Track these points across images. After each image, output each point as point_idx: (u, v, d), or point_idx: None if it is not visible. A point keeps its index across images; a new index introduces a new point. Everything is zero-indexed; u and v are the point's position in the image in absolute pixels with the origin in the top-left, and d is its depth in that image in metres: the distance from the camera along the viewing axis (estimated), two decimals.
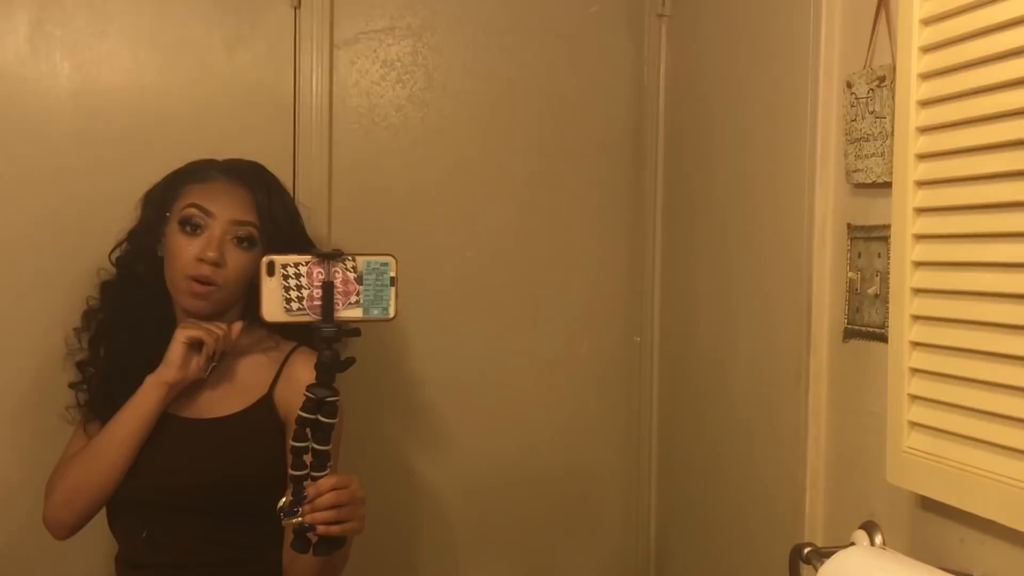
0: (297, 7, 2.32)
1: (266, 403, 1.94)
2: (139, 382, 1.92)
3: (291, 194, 2.14)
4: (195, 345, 1.90)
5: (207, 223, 1.93)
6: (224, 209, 1.94)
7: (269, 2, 2.31)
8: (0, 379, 2.21)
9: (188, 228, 1.93)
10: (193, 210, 1.93)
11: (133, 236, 2.03)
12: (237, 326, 1.95)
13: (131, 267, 2.01)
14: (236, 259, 1.93)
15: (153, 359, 1.93)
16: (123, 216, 2.05)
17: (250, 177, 2.00)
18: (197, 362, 1.91)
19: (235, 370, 1.99)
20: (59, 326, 2.12)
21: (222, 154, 2.09)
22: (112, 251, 2.05)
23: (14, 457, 2.23)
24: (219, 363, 1.95)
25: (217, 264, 1.91)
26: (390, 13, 2.39)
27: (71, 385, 2.06)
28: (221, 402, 1.96)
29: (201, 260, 1.90)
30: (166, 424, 1.93)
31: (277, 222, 1.96)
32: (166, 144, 2.21)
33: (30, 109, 2.22)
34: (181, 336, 1.90)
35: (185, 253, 1.91)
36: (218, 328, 1.92)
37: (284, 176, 2.22)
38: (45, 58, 2.22)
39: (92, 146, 2.24)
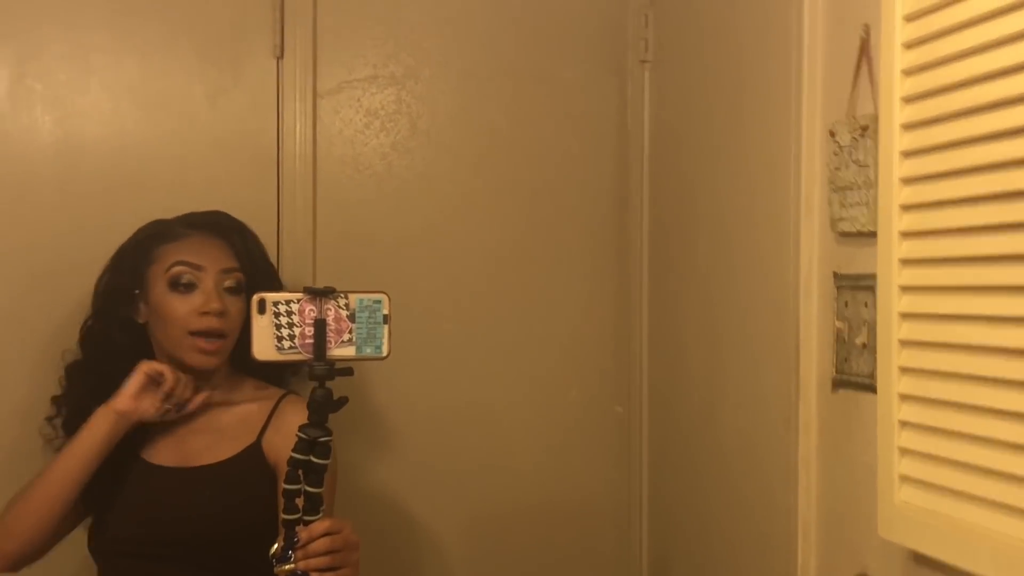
0: (280, 57, 2.32)
1: (255, 450, 1.93)
2: (123, 444, 1.90)
3: (271, 241, 2.16)
4: (153, 382, 1.88)
5: (199, 277, 1.93)
6: (211, 260, 1.94)
7: (251, 54, 2.31)
8: None
9: (180, 287, 1.92)
10: (182, 267, 1.93)
11: (104, 307, 2.00)
12: (200, 397, 1.94)
13: (110, 335, 1.98)
14: (234, 306, 1.95)
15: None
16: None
17: (218, 226, 2.01)
18: (152, 400, 1.89)
19: (223, 418, 1.98)
20: (39, 379, 2.10)
21: (207, 205, 2.09)
22: (81, 328, 2.02)
23: None
24: (178, 414, 1.93)
25: (222, 313, 1.92)
26: (373, 62, 2.39)
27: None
28: (209, 450, 1.94)
29: (205, 313, 1.90)
30: (151, 474, 1.92)
31: (256, 264, 1.99)
32: (149, 197, 2.20)
33: (11, 163, 2.21)
34: (143, 367, 1.88)
35: (183, 310, 1.91)
36: (183, 376, 1.91)
37: (268, 225, 2.23)
38: (26, 112, 2.22)
39: (74, 199, 2.23)
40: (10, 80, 2.20)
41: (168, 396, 1.90)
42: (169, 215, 2.06)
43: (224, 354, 1.95)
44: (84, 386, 1.99)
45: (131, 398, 1.87)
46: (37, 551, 1.90)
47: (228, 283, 1.95)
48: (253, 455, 1.92)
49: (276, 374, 2.04)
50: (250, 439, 1.94)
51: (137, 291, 1.96)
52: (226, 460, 1.92)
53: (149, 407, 1.89)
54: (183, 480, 1.92)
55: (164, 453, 1.95)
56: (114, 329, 1.98)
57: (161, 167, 2.26)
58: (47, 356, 2.11)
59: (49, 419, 2.05)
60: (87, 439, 1.87)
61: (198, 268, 1.93)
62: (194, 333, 1.91)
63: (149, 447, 1.96)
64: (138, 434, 1.96)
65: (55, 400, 2.04)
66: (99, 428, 1.87)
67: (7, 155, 2.21)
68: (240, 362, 1.98)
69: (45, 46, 2.21)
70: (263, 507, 1.86)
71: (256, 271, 1.99)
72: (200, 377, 1.97)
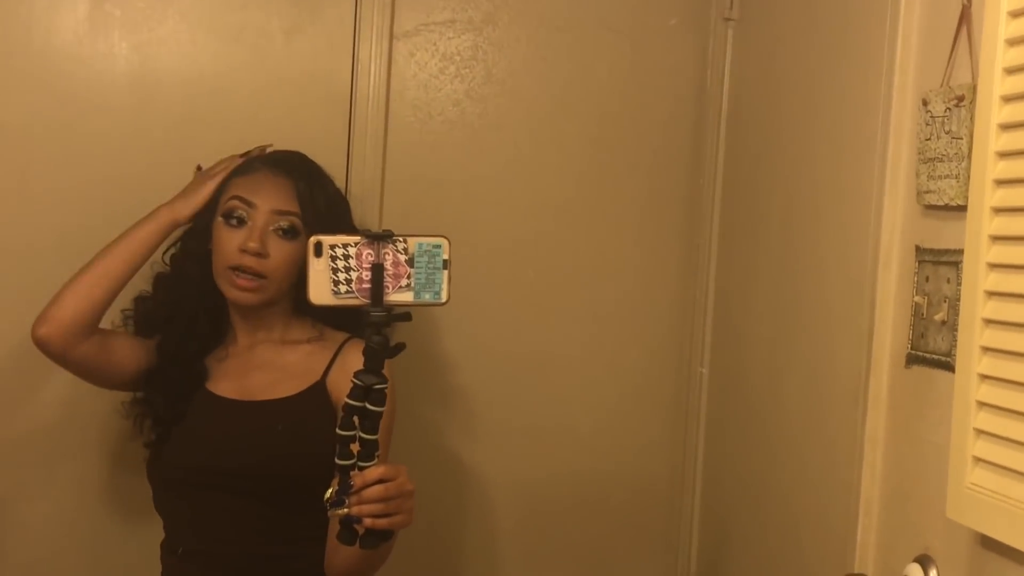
0: None
1: (320, 389, 1.94)
2: (191, 369, 1.96)
3: (340, 183, 2.12)
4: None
5: (249, 214, 1.93)
6: (266, 200, 1.94)
7: None
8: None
9: (232, 220, 1.94)
10: (236, 202, 1.94)
11: (186, 236, 2.04)
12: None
13: (183, 266, 2.03)
14: (280, 249, 1.93)
15: (206, 347, 1.99)
16: None
17: (292, 166, 2.00)
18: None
19: (286, 356, 1.99)
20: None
21: (278, 144, 2.09)
22: (166, 251, 2.05)
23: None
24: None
25: (260, 254, 1.91)
26: (452, 6, 2.36)
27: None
28: (274, 386, 1.95)
29: (244, 251, 1.90)
30: (216, 404, 1.94)
31: (319, 211, 1.95)
32: (221, 130, 2.20)
33: (87, 87, 2.21)
34: (212, 172, 2.02)
35: (228, 245, 1.93)
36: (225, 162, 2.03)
37: (338, 165, 2.21)
38: (104, 38, 2.21)
39: (147, 128, 2.23)
40: (90, 4, 2.19)
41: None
42: (239, 150, 2.06)
43: (264, 293, 1.94)
44: (157, 300, 2.05)
45: (191, 201, 2.00)
46: (72, 328, 1.91)
47: (281, 224, 1.93)
48: (318, 393, 1.93)
49: (341, 320, 2.00)
50: (315, 378, 1.95)
51: (211, 221, 1.98)
52: (292, 396, 1.93)
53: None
54: (248, 412, 1.93)
55: (228, 386, 1.97)
56: (190, 258, 2.01)
57: (234, 101, 2.25)
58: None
59: (124, 311, 2.07)
60: (143, 231, 1.97)
61: (250, 205, 1.94)
62: (232, 268, 1.92)
63: (213, 380, 1.98)
64: (202, 367, 1.98)
65: (136, 299, 2.07)
66: (158, 224, 1.98)
67: (83, 78, 2.20)
68: (305, 305, 1.97)
69: None
70: (326, 445, 1.83)
71: (318, 218, 1.94)
72: (254, 314, 1.98)
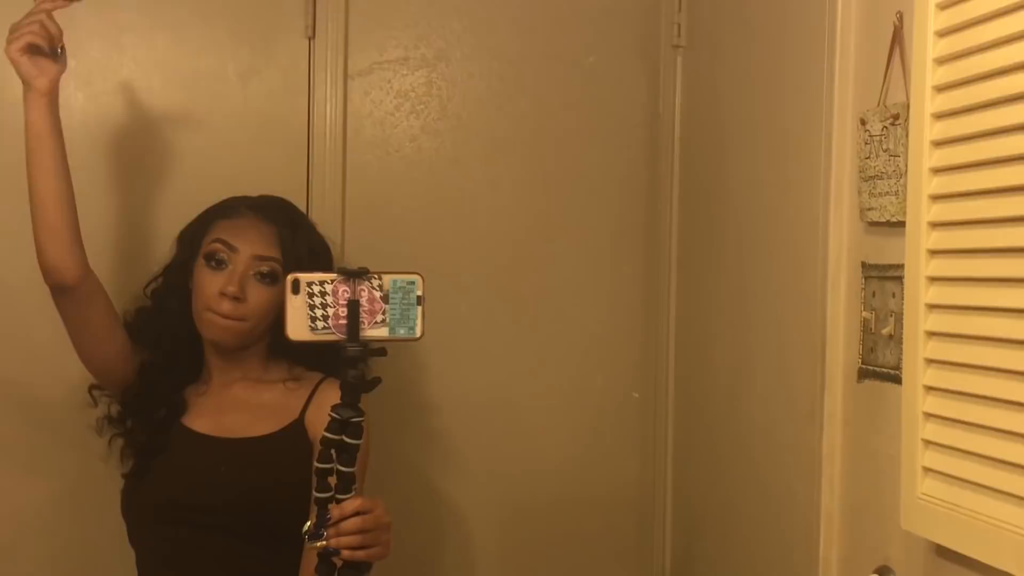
0: (311, 38, 2.32)
1: (297, 427, 1.96)
2: (169, 400, 1.99)
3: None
4: (31, 49, 1.85)
5: (231, 258, 1.96)
6: (248, 244, 1.96)
7: (283, 33, 2.32)
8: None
9: (213, 263, 1.96)
10: (218, 245, 1.97)
11: (167, 271, 2.07)
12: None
13: (163, 300, 2.06)
14: (258, 294, 1.96)
15: (186, 378, 2.03)
16: (137, 250, 2.06)
17: (275, 212, 2.03)
18: (47, 60, 1.87)
19: (262, 396, 2.02)
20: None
21: (237, 186, 2.11)
22: (148, 284, 2.07)
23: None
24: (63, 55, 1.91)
25: (238, 299, 1.93)
26: (404, 44, 2.38)
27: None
28: (252, 424, 1.97)
29: (223, 294, 1.93)
30: (193, 440, 1.96)
31: (300, 257, 1.97)
32: (180, 175, 2.22)
33: None
34: (11, 54, 1.85)
35: (208, 287, 1.95)
36: (36, 16, 1.86)
37: (298, 204, 2.21)
38: (60, 89, 2.22)
39: (104, 178, 2.24)
40: None
41: (45, 39, 1.85)
42: (200, 196, 2.08)
43: (240, 335, 1.97)
44: (138, 331, 2.05)
45: (35, 76, 1.85)
46: (67, 252, 1.89)
47: (261, 269, 1.96)
48: (296, 431, 1.95)
49: (316, 359, 2.02)
50: (292, 416, 1.97)
51: (193, 260, 2.00)
52: (269, 435, 1.96)
53: (49, 65, 1.86)
54: (226, 450, 1.95)
55: (205, 423, 1.99)
56: (171, 295, 2.04)
57: (192, 147, 2.28)
58: None
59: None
60: (32, 126, 1.87)
61: (232, 249, 1.96)
62: (210, 310, 1.95)
63: (190, 416, 2.00)
64: (180, 399, 2.01)
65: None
66: (31, 111, 1.86)
67: None
68: (282, 346, 1.99)
69: (79, 22, 2.21)
70: (304, 482, 1.87)
71: (299, 265, 1.93)
72: (230, 355, 2.00)
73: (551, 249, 2.47)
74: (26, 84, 1.87)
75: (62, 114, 2.17)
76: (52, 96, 1.88)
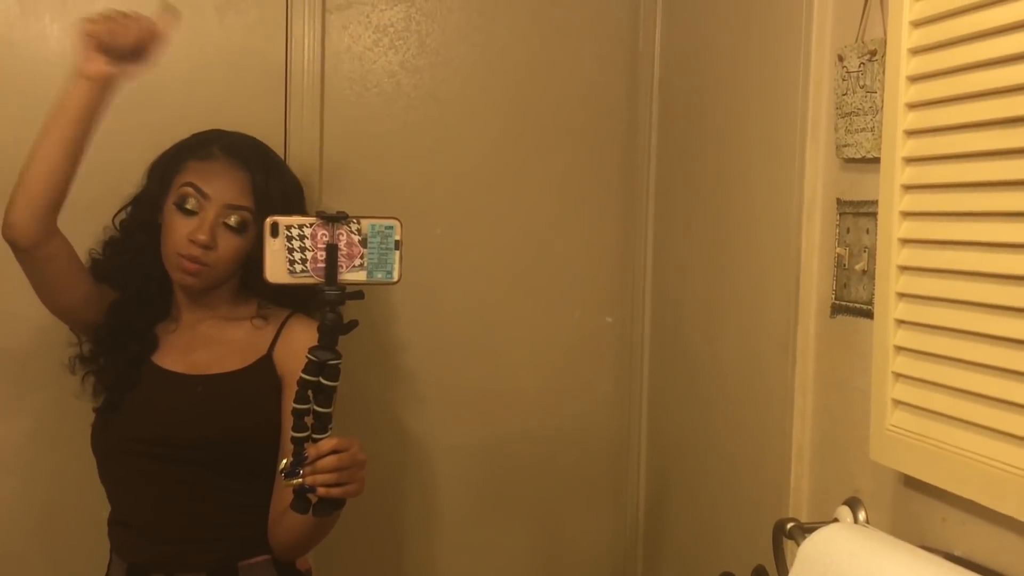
0: None
1: (265, 363, 1.97)
2: (141, 337, 1.98)
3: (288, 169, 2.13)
4: (95, 39, 1.80)
5: (202, 205, 1.94)
6: (220, 192, 1.95)
7: None
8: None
9: (183, 208, 1.94)
10: (189, 189, 1.95)
11: (136, 204, 2.05)
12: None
13: (132, 233, 2.05)
14: (227, 242, 1.95)
15: (157, 314, 2.02)
16: (112, 181, 2.05)
17: (249, 156, 2.00)
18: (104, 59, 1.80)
19: (232, 333, 2.02)
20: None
21: (213, 120, 2.09)
22: (116, 214, 2.06)
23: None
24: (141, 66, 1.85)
25: (207, 247, 1.93)
26: None
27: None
28: (220, 361, 1.98)
29: (192, 241, 1.92)
30: (163, 378, 1.97)
31: (273, 204, 1.94)
32: (157, 108, 2.19)
33: (18, 71, 2.20)
34: (80, 30, 1.80)
35: (178, 232, 1.94)
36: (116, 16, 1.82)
37: (275, 141, 2.22)
38: (35, 20, 2.21)
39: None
40: None
41: (113, 40, 1.81)
42: (175, 130, 2.05)
43: (207, 279, 1.96)
44: (109, 264, 2.05)
45: (85, 62, 1.80)
46: (32, 218, 1.83)
47: (231, 219, 1.95)
48: (264, 367, 1.97)
49: (288, 298, 2.03)
50: (260, 353, 1.98)
51: (163, 195, 1.99)
52: (238, 370, 1.96)
53: (100, 60, 1.80)
54: (195, 385, 1.96)
55: (174, 360, 1.99)
56: (139, 227, 2.03)
57: (169, 81, 2.23)
58: None
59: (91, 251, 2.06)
60: (66, 107, 1.81)
61: (204, 196, 1.94)
62: (180, 255, 1.94)
63: (160, 353, 2.01)
64: (152, 335, 2.01)
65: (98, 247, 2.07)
66: (71, 95, 1.81)
67: (14, 62, 2.20)
68: (251, 284, 2.02)
69: None
70: (273, 416, 1.91)
71: (272, 211, 1.86)
72: (203, 295, 2.00)
73: (528, 181, 2.47)
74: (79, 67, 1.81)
75: (37, 46, 2.19)
76: (93, 84, 1.81)
